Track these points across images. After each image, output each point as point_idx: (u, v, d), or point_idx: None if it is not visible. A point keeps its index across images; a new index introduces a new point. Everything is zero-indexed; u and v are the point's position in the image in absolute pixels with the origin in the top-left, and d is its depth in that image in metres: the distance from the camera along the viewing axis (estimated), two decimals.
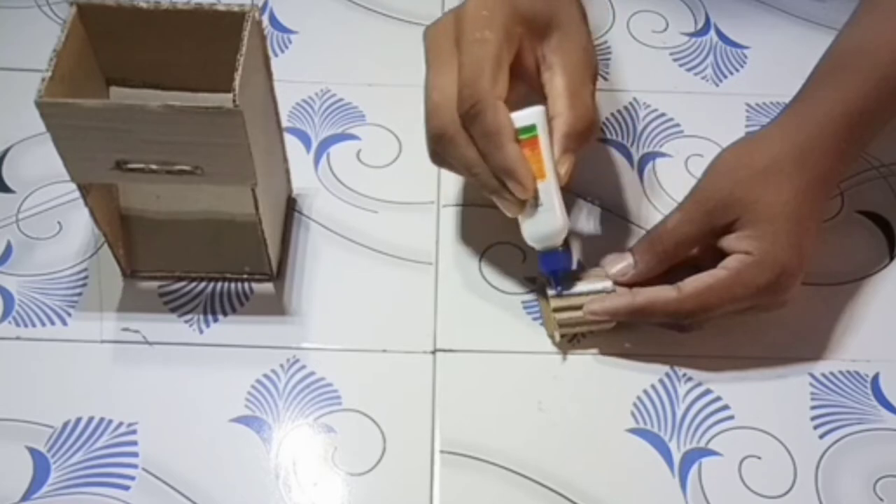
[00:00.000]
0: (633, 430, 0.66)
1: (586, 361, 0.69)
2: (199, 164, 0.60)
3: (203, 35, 0.63)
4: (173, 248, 0.72)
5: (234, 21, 0.61)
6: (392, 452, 0.65)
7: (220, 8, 0.62)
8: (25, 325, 0.69)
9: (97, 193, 0.66)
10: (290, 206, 0.76)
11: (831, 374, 0.69)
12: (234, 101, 0.57)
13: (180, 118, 0.57)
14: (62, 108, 0.58)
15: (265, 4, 0.91)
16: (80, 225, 0.74)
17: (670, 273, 0.68)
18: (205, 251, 0.72)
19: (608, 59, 0.88)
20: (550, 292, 0.68)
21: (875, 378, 0.69)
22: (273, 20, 0.90)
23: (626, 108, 0.84)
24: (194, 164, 0.60)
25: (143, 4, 0.62)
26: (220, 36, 0.62)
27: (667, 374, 0.68)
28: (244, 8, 0.62)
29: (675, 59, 0.88)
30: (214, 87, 0.63)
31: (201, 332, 0.69)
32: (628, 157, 0.80)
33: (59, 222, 0.75)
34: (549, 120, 0.65)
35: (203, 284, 0.71)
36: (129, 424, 0.65)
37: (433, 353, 0.69)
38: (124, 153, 0.60)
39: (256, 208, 0.64)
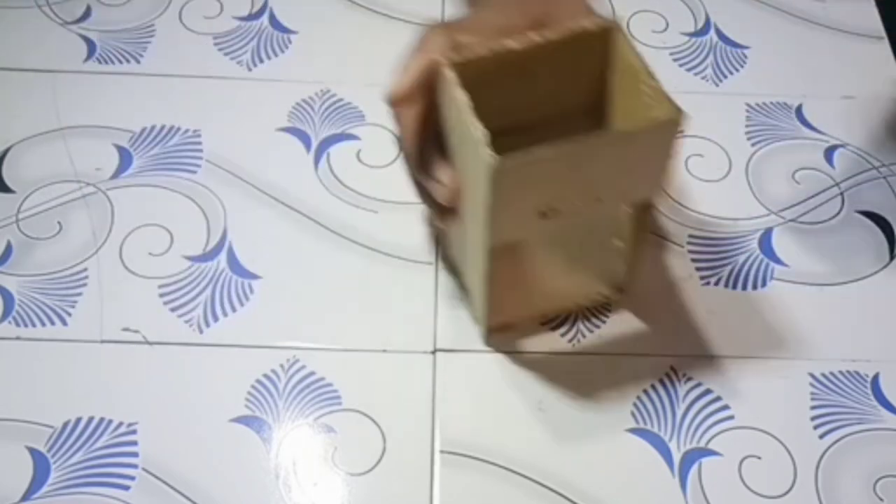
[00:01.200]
0: (633, 430, 0.66)
1: (586, 361, 0.69)
2: (618, 189, 0.58)
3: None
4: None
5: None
6: (392, 452, 0.65)
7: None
8: (25, 325, 0.69)
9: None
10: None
11: (831, 374, 0.69)
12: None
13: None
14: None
15: (265, 4, 0.90)
16: (80, 225, 0.74)
17: None
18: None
19: None
20: None
21: (875, 378, 0.69)
22: (273, 20, 0.90)
23: None
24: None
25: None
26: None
27: (667, 374, 0.68)
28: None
29: (675, 59, 0.88)
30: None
31: (201, 332, 0.69)
32: None
33: (59, 222, 0.75)
34: None
35: (203, 284, 0.71)
36: (129, 424, 0.65)
37: (433, 353, 0.69)
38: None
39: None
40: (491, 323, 0.68)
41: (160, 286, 0.71)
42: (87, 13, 0.89)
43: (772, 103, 0.85)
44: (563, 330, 0.70)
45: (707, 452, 0.65)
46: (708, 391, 0.68)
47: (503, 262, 0.62)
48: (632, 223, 0.64)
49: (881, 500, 0.64)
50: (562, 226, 0.59)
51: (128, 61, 0.85)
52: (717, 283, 0.73)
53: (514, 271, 0.63)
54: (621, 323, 0.70)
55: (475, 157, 0.54)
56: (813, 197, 0.79)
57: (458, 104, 0.55)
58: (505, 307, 0.67)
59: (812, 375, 0.69)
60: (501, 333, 0.69)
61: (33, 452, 0.64)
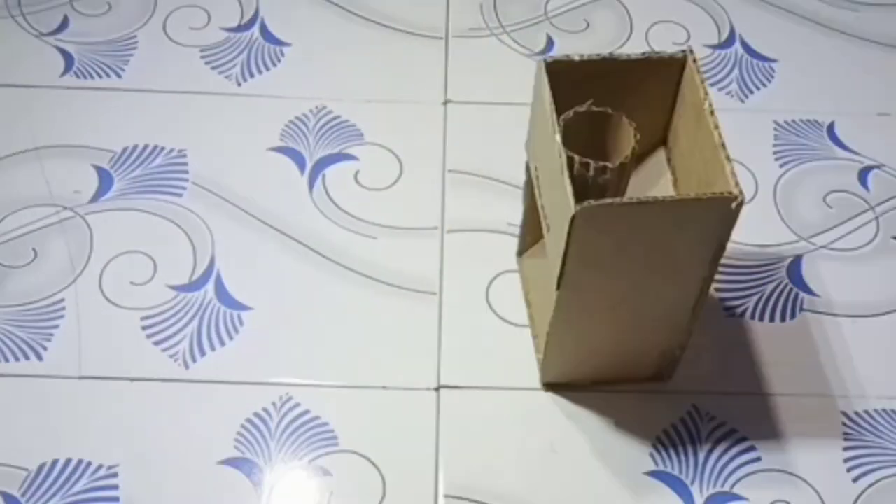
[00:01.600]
0: (652, 473, 0.67)
1: (603, 399, 0.70)
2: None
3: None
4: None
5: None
6: (392, 497, 0.65)
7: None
8: None
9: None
10: None
11: (865, 412, 0.70)
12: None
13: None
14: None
15: (256, 15, 0.92)
16: (56, 252, 0.75)
17: None
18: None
19: None
20: None
21: None
22: (264, 31, 0.91)
23: None
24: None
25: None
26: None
27: (688, 413, 0.69)
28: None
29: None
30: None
31: (187, 366, 0.70)
32: None
33: (34, 249, 0.76)
34: None
35: (189, 316, 0.73)
36: (110, 467, 0.66)
37: (437, 389, 0.70)
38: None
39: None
40: (546, 378, 0.70)
41: (143, 318, 0.73)
42: (64, 23, 0.90)
43: (801, 121, 0.86)
44: None
45: (732, 497, 0.66)
46: (733, 431, 0.69)
47: (570, 319, 0.64)
48: (686, 306, 0.66)
49: None
50: (628, 297, 0.63)
51: (108, 76, 0.86)
52: (742, 315, 0.74)
53: (579, 332, 0.65)
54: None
55: (560, 197, 0.58)
56: (846, 222, 0.80)
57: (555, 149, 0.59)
58: (563, 363, 0.69)
59: (845, 414, 0.70)
60: (556, 391, 0.70)
61: (6, 498, 0.64)
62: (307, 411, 0.69)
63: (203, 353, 0.71)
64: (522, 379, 0.70)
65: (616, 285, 0.61)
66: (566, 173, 0.57)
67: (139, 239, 0.76)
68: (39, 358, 0.70)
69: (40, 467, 0.66)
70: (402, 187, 0.80)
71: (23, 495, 0.64)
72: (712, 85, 0.88)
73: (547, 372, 0.69)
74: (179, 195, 0.79)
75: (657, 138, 0.67)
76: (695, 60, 0.63)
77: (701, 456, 0.67)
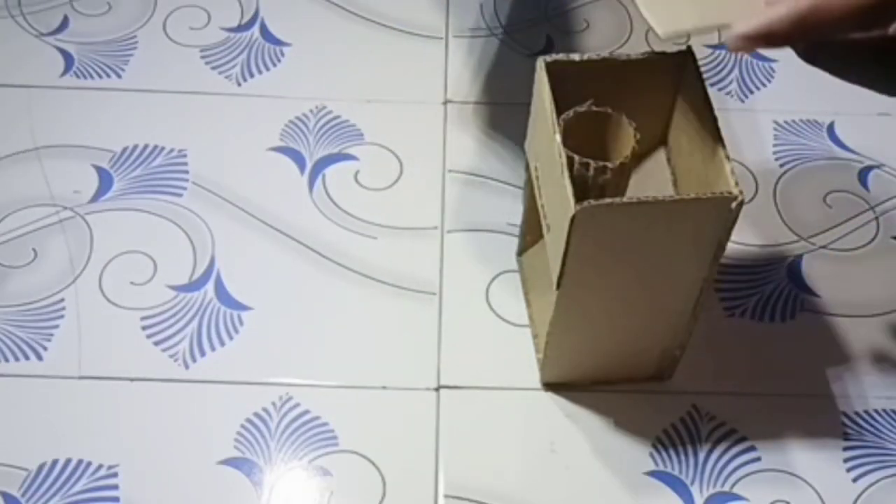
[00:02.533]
0: (652, 473, 0.67)
1: (603, 399, 0.70)
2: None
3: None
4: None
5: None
6: (392, 497, 0.66)
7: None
8: None
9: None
10: None
11: (866, 412, 0.70)
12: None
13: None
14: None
15: (256, 15, 0.92)
16: (56, 252, 0.76)
17: None
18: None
19: None
20: None
21: None
22: (264, 31, 0.91)
23: None
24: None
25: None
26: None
27: (688, 413, 0.69)
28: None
29: None
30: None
31: (187, 367, 0.71)
32: None
33: (34, 249, 0.76)
34: None
35: (189, 316, 0.73)
36: (110, 467, 0.66)
37: (437, 389, 0.70)
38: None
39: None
40: (546, 378, 0.70)
41: (143, 318, 0.73)
42: (64, 23, 0.90)
43: (801, 121, 0.86)
44: None
45: (732, 497, 0.66)
46: (733, 431, 0.69)
47: (570, 319, 0.64)
48: (686, 306, 0.66)
49: None
50: (628, 297, 0.63)
51: (108, 76, 0.87)
52: (742, 315, 0.74)
53: (579, 332, 0.65)
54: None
55: (560, 197, 0.58)
56: (846, 222, 0.80)
57: (553, 146, 0.59)
58: (563, 363, 0.69)
59: (845, 414, 0.70)
60: (556, 391, 0.70)
61: (6, 497, 0.65)
62: (307, 411, 0.69)
63: (203, 353, 0.71)
64: (522, 379, 0.71)
65: (616, 285, 0.62)
66: (566, 173, 0.57)
67: (139, 239, 0.77)
68: (39, 358, 0.71)
69: (40, 467, 0.66)
70: (402, 187, 0.81)
71: (23, 495, 0.65)
72: (712, 85, 0.88)
73: (547, 372, 0.70)
74: (179, 195, 0.79)
75: (657, 138, 0.68)
76: (695, 60, 0.63)
77: (701, 456, 0.67)
